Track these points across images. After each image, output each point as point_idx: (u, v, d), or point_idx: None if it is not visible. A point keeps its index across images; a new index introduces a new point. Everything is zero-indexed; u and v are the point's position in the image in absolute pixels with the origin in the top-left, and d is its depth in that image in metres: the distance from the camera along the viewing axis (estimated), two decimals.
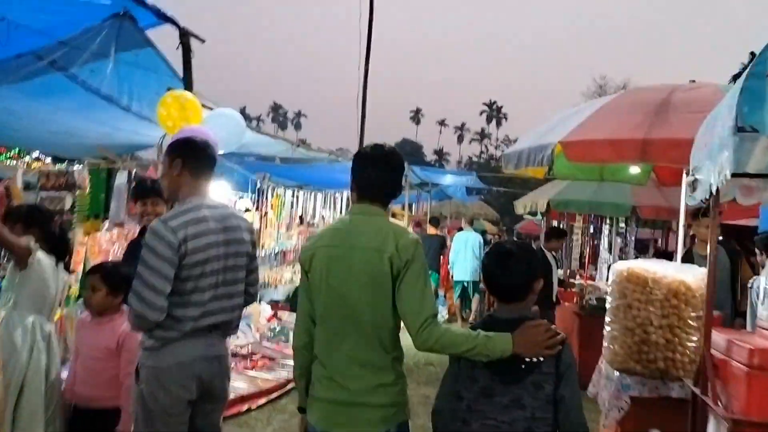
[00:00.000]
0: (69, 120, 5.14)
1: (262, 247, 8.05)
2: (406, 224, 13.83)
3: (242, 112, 6.14)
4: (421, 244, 2.21)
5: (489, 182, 19.47)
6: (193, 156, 2.59)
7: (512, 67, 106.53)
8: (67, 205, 5.54)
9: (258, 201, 7.64)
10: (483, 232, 14.96)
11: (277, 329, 8.07)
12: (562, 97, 74.94)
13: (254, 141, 6.19)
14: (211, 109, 4.38)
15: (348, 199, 9.39)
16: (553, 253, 7.11)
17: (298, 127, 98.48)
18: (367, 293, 2.17)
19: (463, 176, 17.21)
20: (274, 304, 9.99)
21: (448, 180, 15.67)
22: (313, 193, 9.11)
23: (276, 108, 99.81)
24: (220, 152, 4.11)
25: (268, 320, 8.54)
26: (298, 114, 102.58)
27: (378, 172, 2.28)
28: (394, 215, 16.67)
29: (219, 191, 8.39)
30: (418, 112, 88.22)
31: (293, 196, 8.62)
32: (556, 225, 10.16)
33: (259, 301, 9.43)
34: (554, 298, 6.72)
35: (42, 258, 3.22)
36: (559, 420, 2.02)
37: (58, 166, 6.48)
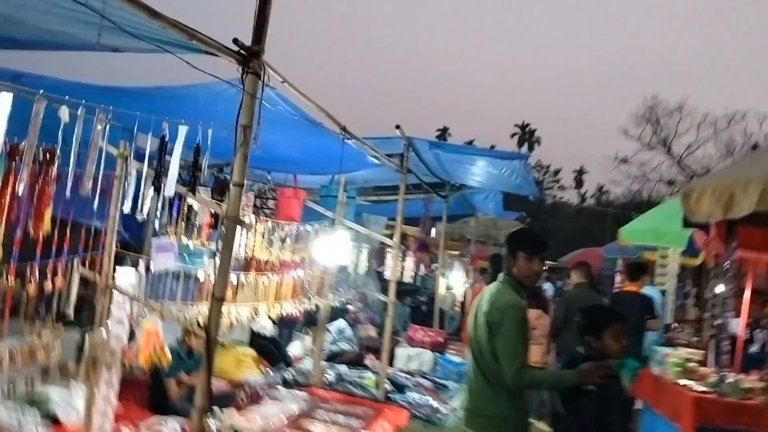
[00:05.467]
0: None
1: None
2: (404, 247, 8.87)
3: None
4: (514, 307, 3.09)
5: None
6: None
7: (548, 86, 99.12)
8: None
9: None
10: None
11: None
12: (605, 118, 66.78)
13: None
14: None
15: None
16: None
17: None
18: (480, 343, 3.19)
19: (506, 164, 8.60)
20: None
21: (477, 175, 9.53)
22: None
23: None
24: None
25: None
26: None
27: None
28: (404, 236, 12.14)
29: None
30: (445, 131, 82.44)
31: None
32: None
33: None
34: None
35: None
36: None
37: None
